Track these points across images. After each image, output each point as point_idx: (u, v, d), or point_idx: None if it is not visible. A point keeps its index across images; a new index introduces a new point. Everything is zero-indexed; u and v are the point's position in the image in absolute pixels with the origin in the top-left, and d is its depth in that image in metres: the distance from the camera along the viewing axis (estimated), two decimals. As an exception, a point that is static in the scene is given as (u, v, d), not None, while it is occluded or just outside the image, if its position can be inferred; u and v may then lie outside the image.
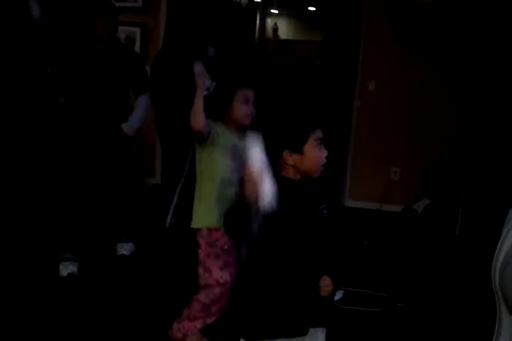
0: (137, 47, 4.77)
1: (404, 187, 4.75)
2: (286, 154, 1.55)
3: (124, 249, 3.46)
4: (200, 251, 2.35)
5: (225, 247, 2.32)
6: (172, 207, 3.40)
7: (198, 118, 2.14)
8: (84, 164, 3.14)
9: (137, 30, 4.76)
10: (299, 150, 1.55)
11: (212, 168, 2.30)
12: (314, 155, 1.56)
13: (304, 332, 1.65)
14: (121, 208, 3.40)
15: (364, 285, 3.21)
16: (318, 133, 1.56)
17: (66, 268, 3.13)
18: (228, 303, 2.40)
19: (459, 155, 4.39)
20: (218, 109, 2.27)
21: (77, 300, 2.90)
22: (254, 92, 2.31)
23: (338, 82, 5.00)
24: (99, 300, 2.91)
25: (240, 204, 1.53)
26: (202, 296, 2.37)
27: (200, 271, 2.36)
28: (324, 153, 1.58)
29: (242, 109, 2.26)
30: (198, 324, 2.43)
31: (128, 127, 3.19)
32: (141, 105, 3.26)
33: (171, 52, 3.36)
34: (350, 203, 4.94)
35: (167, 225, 3.71)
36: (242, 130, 2.33)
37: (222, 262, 2.32)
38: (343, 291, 3.03)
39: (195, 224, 2.36)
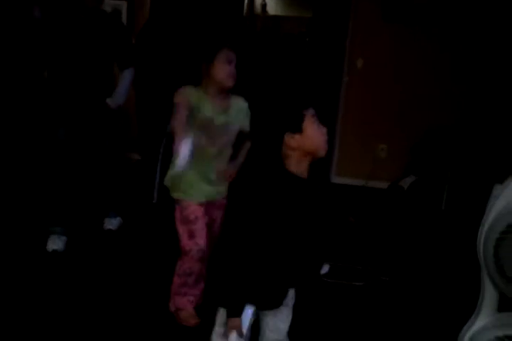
0: (123, 21, 4.69)
1: (391, 164, 4.78)
2: (287, 137, 1.54)
3: (111, 223, 3.46)
4: (175, 214, 2.42)
5: (191, 217, 2.35)
6: (156, 183, 3.41)
7: (179, 127, 2.16)
8: (70, 137, 3.11)
9: (124, 4, 4.67)
10: (299, 129, 1.54)
11: None
12: (314, 131, 1.55)
13: (276, 305, 1.70)
14: (109, 182, 3.39)
15: (350, 260, 3.25)
16: (312, 111, 1.56)
17: (53, 243, 3.13)
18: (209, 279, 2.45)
19: (445, 132, 4.41)
20: (201, 69, 2.26)
21: (64, 275, 2.91)
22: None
23: (327, 59, 4.97)
24: (86, 274, 2.92)
25: None
26: (177, 267, 2.44)
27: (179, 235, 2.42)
28: (323, 129, 1.57)
29: (224, 69, 2.24)
30: (187, 300, 2.47)
31: (112, 101, 3.14)
32: (126, 79, 3.20)
33: (158, 25, 3.32)
34: (336, 179, 4.96)
35: (154, 201, 3.72)
36: (224, 100, 2.31)
37: (188, 230, 2.36)
38: (330, 266, 3.07)
39: (166, 182, 2.42)
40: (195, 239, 2.36)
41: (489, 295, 1.78)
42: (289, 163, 1.57)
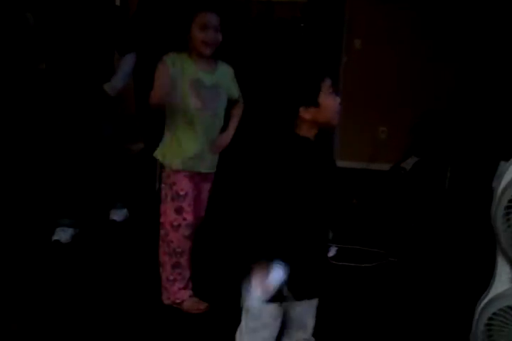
0: (117, 2, 4.59)
1: (393, 145, 4.76)
2: (302, 111, 1.47)
3: (116, 214, 3.45)
4: (161, 189, 2.37)
5: (181, 192, 2.31)
6: (158, 171, 3.37)
7: (157, 96, 2.13)
8: (71, 127, 3.07)
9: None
10: (315, 103, 1.47)
11: (175, 104, 2.23)
12: (330, 104, 1.48)
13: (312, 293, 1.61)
14: (114, 174, 3.36)
15: (357, 242, 3.24)
16: (328, 81, 1.48)
17: (57, 234, 3.12)
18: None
19: (446, 112, 4.39)
20: (178, 37, 2.20)
21: (71, 266, 2.90)
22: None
23: (324, 42, 4.92)
24: (93, 265, 2.91)
25: None
26: (163, 247, 2.38)
27: (161, 208, 2.37)
28: (338, 100, 1.51)
29: (200, 36, 2.17)
30: (183, 290, 2.42)
31: (110, 87, 3.03)
32: (125, 65, 3.09)
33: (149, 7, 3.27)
34: (338, 163, 4.90)
35: (156, 189, 3.69)
36: (208, 63, 2.26)
37: (176, 206, 2.32)
38: (337, 248, 3.06)
39: (156, 153, 2.36)
40: (183, 214, 2.32)
41: (502, 268, 1.78)
42: (298, 129, 1.52)
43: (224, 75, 2.33)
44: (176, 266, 2.39)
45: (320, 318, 1.68)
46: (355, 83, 4.78)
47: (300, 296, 1.58)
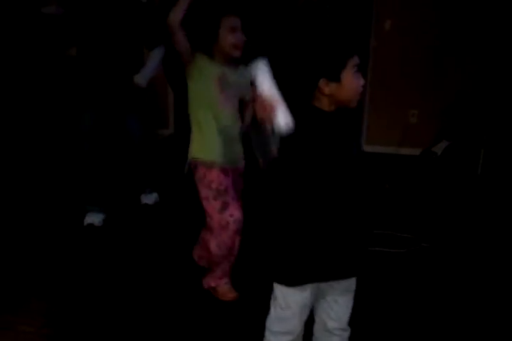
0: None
1: (423, 129, 4.68)
2: (322, 83, 1.42)
3: (148, 198, 3.48)
4: (199, 195, 2.33)
5: (221, 188, 2.28)
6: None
7: (176, 13, 2.07)
8: (98, 118, 3.10)
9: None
10: (337, 79, 1.41)
11: (200, 98, 2.24)
12: (353, 83, 1.43)
13: (343, 274, 1.56)
14: (143, 160, 3.39)
15: (388, 227, 3.21)
16: (356, 60, 1.43)
17: (89, 218, 3.19)
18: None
19: (478, 94, 4.29)
20: (205, 42, 2.20)
21: (103, 249, 2.94)
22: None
23: (352, 24, 4.83)
24: (124, 249, 2.95)
25: (255, 129, 1.47)
26: (214, 249, 2.35)
27: (206, 211, 2.34)
28: (361, 81, 1.46)
29: (229, 39, 2.17)
30: (224, 279, 2.46)
31: (140, 78, 3.11)
32: (155, 56, 3.17)
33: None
34: (367, 148, 4.85)
35: (185, 172, 3.69)
36: (233, 62, 2.25)
37: (220, 203, 2.28)
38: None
39: (192, 154, 2.33)
40: (228, 209, 2.28)
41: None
42: (318, 101, 1.48)
43: (244, 77, 2.28)
44: (227, 262, 2.42)
45: (355, 305, 1.66)
46: (385, 65, 4.69)
47: (330, 276, 1.55)
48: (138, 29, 3.06)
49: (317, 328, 1.69)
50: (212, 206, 2.30)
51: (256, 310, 1.84)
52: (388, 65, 4.67)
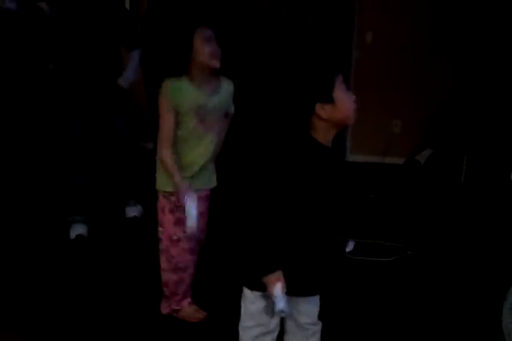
0: (127, 3, 4.60)
1: (407, 139, 4.71)
2: (318, 108, 1.45)
3: (133, 211, 3.46)
4: (157, 205, 2.25)
5: (179, 204, 2.15)
6: None
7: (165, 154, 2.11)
8: (86, 124, 3.09)
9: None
10: (330, 99, 1.44)
11: (175, 132, 2.13)
12: (345, 100, 1.47)
13: (312, 291, 1.63)
14: (127, 171, 3.37)
15: (374, 236, 3.22)
16: (340, 77, 1.46)
17: (75, 230, 3.15)
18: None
19: (461, 103, 4.34)
20: (180, 57, 2.08)
21: (87, 261, 2.91)
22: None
23: (334, 36, 4.88)
24: (108, 261, 2.92)
25: None
26: (164, 263, 2.28)
27: (160, 228, 2.26)
28: (353, 97, 1.49)
29: (205, 49, 2.04)
30: (186, 301, 2.37)
31: (123, 80, 3.12)
32: (134, 59, 3.18)
33: (161, 8, 3.27)
34: (352, 157, 4.90)
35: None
36: (212, 82, 2.14)
37: (176, 218, 2.20)
38: (354, 242, 3.04)
39: (157, 185, 2.24)
40: (181, 226, 2.15)
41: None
42: (316, 132, 1.49)
43: (226, 93, 2.22)
44: (179, 282, 2.30)
45: (338, 313, 1.66)
46: (368, 76, 4.73)
47: (297, 293, 1.59)
48: (117, 29, 3.06)
49: (289, 324, 1.73)
50: (167, 218, 2.22)
51: (228, 329, 1.80)
52: (371, 76, 4.72)
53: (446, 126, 4.41)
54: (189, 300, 2.39)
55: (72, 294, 2.59)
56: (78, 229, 3.15)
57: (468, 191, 4.06)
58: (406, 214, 3.66)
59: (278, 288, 1.47)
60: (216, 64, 2.08)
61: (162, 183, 2.22)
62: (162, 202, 2.24)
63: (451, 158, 4.30)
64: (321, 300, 1.73)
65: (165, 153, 2.13)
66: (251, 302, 1.63)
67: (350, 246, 2.98)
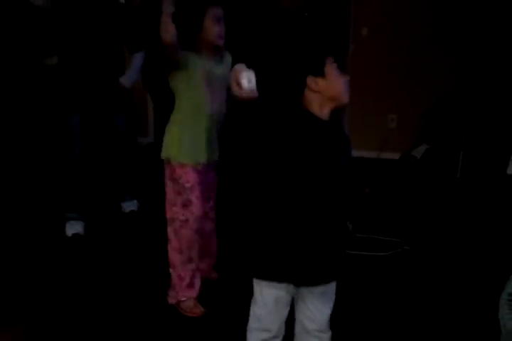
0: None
1: (402, 134, 4.72)
2: (310, 80, 1.50)
3: (130, 206, 3.46)
4: (165, 186, 2.33)
5: (187, 185, 2.27)
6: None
7: (167, 28, 2.06)
8: (86, 121, 3.10)
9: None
10: (321, 73, 1.50)
11: (187, 96, 2.25)
12: (337, 77, 1.52)
13: (315, 280, 1.58)
14: (124, 166, 3.37)
15: (370, 231, 3.22)
16: (331, 59, 1.52)
17: (72, 228, 3.13)
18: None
19: (457, 98, 4.34)
20: (190, 32, 2.21)
21: (83, 259, 2.90)
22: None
23: (330, 31, 4.87)
24: (105, 258, 2.91)
25: None
26: (174, 244, 2.34)
27: (167, 205, 2.33)
28: (346, 77, 1.54)
29: (215, 29, 2.20)
30: (192, 290, 2.39)
31: (125, 80, 3.15)
32: (137, 59, 3.20)
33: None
34: (347, 153, 4.88)
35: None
36: (217, 54, 2.28)
37: (184, 200, 2.29)
38: (351, 225, 3.03)
39: (162, 154, 2.31)
40: (191, 207, 2.28)
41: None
42: (310, 105, 1.54)
43: (229, 65, 2.36)
44: (187, 261, 2.36)
45: (334, 307, 1.65)
46: (363, 71, 4.72)
47: (301, 282, 1.58)
48: (119, 32, 3.07)
49: (297, 329, 1.71)
50: (176, 201, 2.30)
51: (223, 326, 1.78)
52: (366, 71, 4.71)
53: (442, 121, 4.41)
54: (195, 293, 2.40)
55: (72, 290, 2.58)
56: (75, 227, 3.14)
57: (464, 186, 4.07)
58: (402, 209, 3.66)
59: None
60: (221, 43, 2.25)
61: (167, 149, 2.29)
62: (170, 185, 2.30)
63: (447, 153, 4.31)
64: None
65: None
66: (259, 306, 1.62)
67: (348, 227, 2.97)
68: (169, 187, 2.32)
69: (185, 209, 2.29)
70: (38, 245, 3.05)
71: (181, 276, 2.37)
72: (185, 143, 2.27)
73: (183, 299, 2.38)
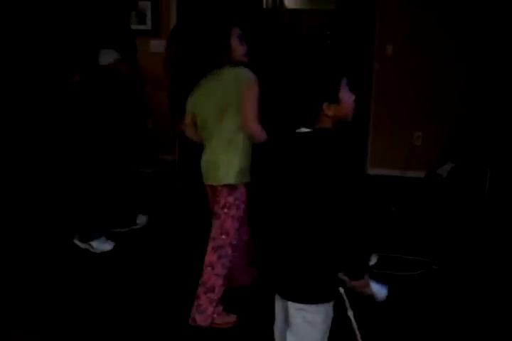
0: (148, 22, 4.66)
1: (428, 151, 4.67)
2: (325, 107, 1.56)
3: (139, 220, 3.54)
4: (223, 211, 2.31)
5: (243, 206, 2.34)
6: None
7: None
8: (107, 137, 3.17)
9: (148, 4, 4.63)
10: (336, 100, 1.56)
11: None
12: (349, 100, 1.59)
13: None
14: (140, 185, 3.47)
15: (397, 250, 3.17)
16: (345, 80, 1.58)
17: (103, 245, 3.17)
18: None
19: (483, 115, 4.30)
20: (216, 51, 2.29)
21: (99, 274, 2.91)
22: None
23: (354, 49, 4.89)
24: (124, 274, 2.91)
25: None
26: (218, 269, 2.33)
27: (216, 232, 2.33)
28: (353, 96, 1.61)
29: (241, 48, 2.30)
30: (218, 307, 2.38)
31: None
32: None
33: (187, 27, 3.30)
34: (372, 171, 4.86)
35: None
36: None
37: (239, 224, 2.34)
38: (378, 256, 3.00)
39: (233, 179, 2.29)
40: (241, 229, 2.37)
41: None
42: (321, 125, 1.59)
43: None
44: (224, 284, 2.37)
45: (362, 327, 1.63)
46: (388, 89, 4.72)
47: (278, 292, 1.65)
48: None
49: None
50: (233, 226, 2.33)
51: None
52: (391, 88, 4.71)
53: (468, 139, 4.37)
54: (221, 307, 2.40)
55: (92, 300, 2.60)
56: (104, 246, 3.17)
57: (492, 205, 4.00)
58: (430, 229, 3.61)
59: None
60: (246, 60, 2.34)
61: (236, 175, 2.29)
62: (231, 211, 2.31)
63: (474, 171, 4.25)
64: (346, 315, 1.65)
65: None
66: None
67: (373, 260, 2.94)
68: (227, 215, 2.32)
69: (236, 234, 2.35)
70: (52, 253, 3.11)
71: (214, 300, 2.35)
72: (245, 165, 2.34)
73: (216, 316, 2.37)
